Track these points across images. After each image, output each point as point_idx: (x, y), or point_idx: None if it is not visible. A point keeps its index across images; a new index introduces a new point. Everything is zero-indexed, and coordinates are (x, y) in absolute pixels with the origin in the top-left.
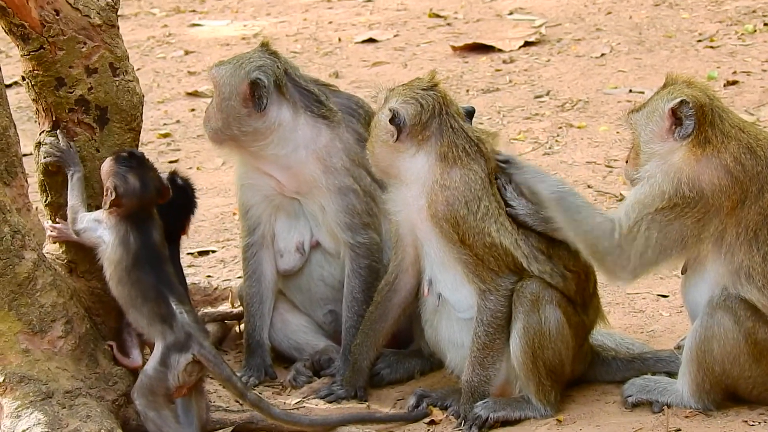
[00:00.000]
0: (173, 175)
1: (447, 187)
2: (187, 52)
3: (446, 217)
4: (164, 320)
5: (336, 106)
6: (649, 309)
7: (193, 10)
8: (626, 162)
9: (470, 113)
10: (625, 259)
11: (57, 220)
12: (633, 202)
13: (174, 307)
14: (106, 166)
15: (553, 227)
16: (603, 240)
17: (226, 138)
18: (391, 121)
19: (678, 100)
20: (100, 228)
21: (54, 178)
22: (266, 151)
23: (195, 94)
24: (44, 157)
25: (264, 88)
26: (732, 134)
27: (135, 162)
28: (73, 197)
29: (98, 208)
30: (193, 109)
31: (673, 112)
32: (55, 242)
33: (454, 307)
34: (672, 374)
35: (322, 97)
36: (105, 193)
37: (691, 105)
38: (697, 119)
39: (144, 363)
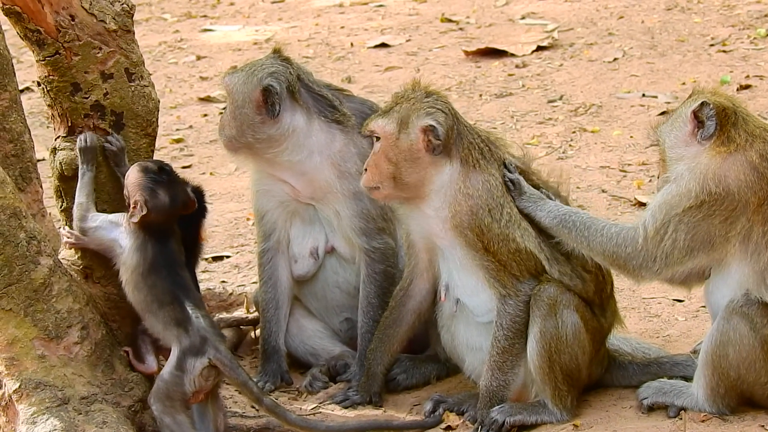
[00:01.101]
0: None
1: (471, 195)
2: (199, 58)
3: (471, 226)
4: (180, 324)
5: (349, 111)
6: (664, 313)
7: (205, 16)
8: (658, 177)
9: None
10: (651, 260)
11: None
12: (660, 203)
13: (190, 311)
14: (134, 177)
15: (564, 249)
16: (625, 246)
17: (241, 145)
18: (430, 135)
19: (699, 102)
20: (116, 231)
21: (69, 183)
22: (281, 157)
23: (207, 100)
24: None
25: (276, 94)
26: (757, 134)
27: (165, 177)
28: (82, 195)
29: (113, 212)
30: (205, 115)
31: (695, 114)
32: (71, 248)
33: (472, 311)
34: (688, 378)
35: (335, 102)
36: (133, 206)
37: (711, 106)
38: (719, 120)
39: (159, 369)
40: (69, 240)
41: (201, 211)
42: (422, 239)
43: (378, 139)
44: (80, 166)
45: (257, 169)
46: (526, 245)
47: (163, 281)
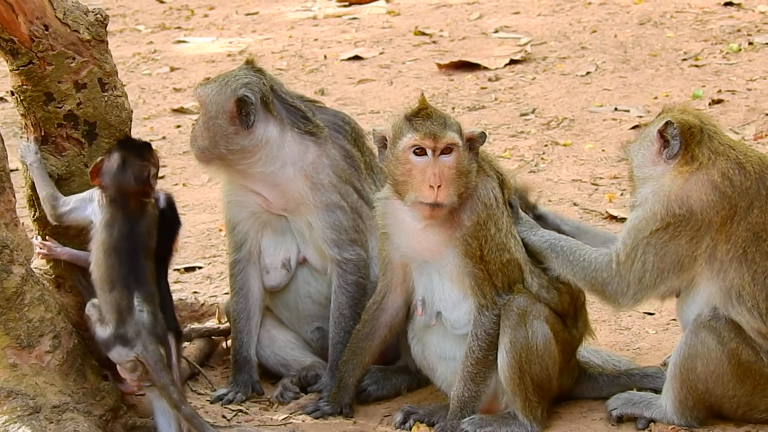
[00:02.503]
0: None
1: (487, 205)
2: (172, 69)
3: (477, 235)
4: (121, 312)
5: (322, 123)
6: (635, 326)
7: (179, 27)
8: (631, 194)
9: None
10: (625, 285)
11: (46, 237)
12: (629, 229)
13: (135, 302)
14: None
15: (551, 275)
16: (601, 272)
17: (214, 157)
18: (477, 144)
19: (664, 121)
20: (89, 207)
21: None
22: (254, 168)
23: (181, 111)
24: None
25: (251, 105)
26: (721, 151)
27: (128, 146)
28: (43, 187)
29: None
30: (178, 126)
31: (660, 134)
32: (43, 258)
33: (452, 325)
34: (658, 390)
35: (308, 113)
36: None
37: (675, 125)
38: (684, 139)
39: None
40: (42, 251)
41: (174, 221)
42: (402, 253)
43: (448, 152)
44: (27, 167)
45: (229, 180)
46: (517, 256)
47: (121, 265)
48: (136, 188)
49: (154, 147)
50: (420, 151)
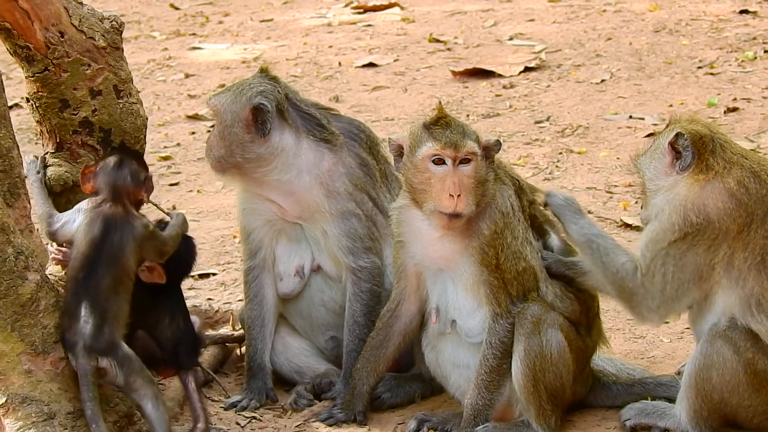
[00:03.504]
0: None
1: (504, 213)
2: (187, 75)
3: (494, 243)
4: (69, 317)
5: (338, 130)
6: (649, 335)
7: (194, 34)
8: (641, 208)
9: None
10: (650, 298)
11: (62, 243)
12: (646, 242)
13: (82, 313)
14: None
15: (583, 270)
16: (627, 281)
17: (230, 166)
18: (492, 152)
19: (674, 133)
20: (79, 216)
21: (57, 199)
22: (269, 176)
23: (195, 117)
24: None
25: (267, 113)
26: (734, 160)
27: (125, 150)
28: (40, 205)
29: None
30: (193, 132)
31: (672, 145)
32: (58, 264)
33: (466, 333)
34: (672, 399)
35: (323, 121)
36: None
37: (686, 137)
38: (696, 149)
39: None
40: (56, 257)
41: (185, 265)
42: (417, 261)
43: (467, 162)
44: (30, 182)
45: (244, 188)
46: (533, 264)
47: (80, 270)
48: (131, 188)
49: (168, 154)
50: (439, 161)
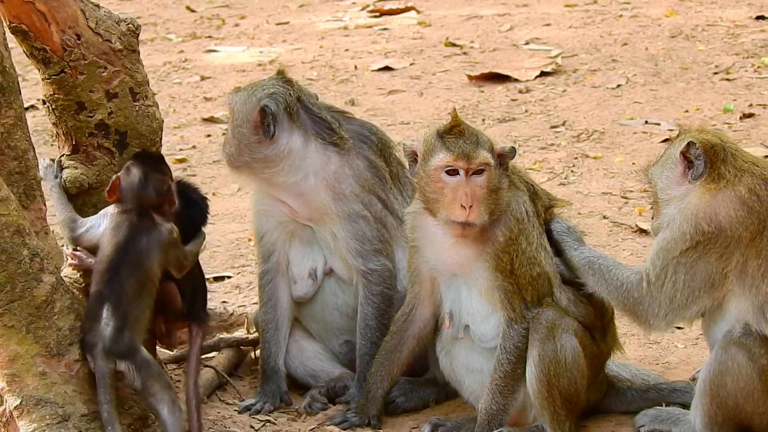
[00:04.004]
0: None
1: (519, 219)
2: (203, 78)
3: (509, 249)
4: (90, 319)
5: (348, 134)
6: (664, 341)
7: (210, 36)
8: (652, 217)
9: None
10: (657, 306)
11: (78, 248)
12: (657, 250)
13: (103, 315)
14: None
15: (586, 291)
16: (633, 291)
17: (240, 164)
18: (509, 160)
19: (686, 142)
20: (104, 221)
21: (74, 201)
22: (277, 178)
23: (211, 120)
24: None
25: (272, 115)
26: (746, 168)
27: (147, 160)
28: (61, 210)
29: None
30: (209, 135)
31: (684, 155)
32: (74, 269)
33: (480, 338)
34: (686, 405)
35: (334, 124)
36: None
37: (698, 146)
38: (708, 158)
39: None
40: (73, 262)
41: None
42: (431, 266)
43: (480, 172)
44: (49, 187)
45: (257, 189)
46: (547, 269)
47: (105, 272)
48: (155, 201)
49: (183, 156)
50: (452, 171)
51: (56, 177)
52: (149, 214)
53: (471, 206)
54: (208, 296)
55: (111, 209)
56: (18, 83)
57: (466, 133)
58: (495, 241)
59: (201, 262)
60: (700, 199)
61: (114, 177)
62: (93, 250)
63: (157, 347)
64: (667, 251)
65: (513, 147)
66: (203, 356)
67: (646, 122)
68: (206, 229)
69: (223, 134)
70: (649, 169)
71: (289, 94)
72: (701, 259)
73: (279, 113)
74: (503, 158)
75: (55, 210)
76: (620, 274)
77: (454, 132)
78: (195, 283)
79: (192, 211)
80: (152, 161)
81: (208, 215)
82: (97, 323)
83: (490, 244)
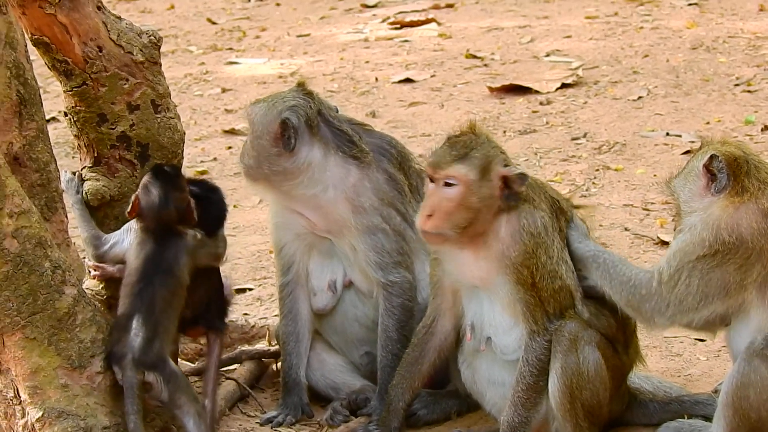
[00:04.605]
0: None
1: (533, 234)
2: (224, 90)
3: (527, 264)
4: (119, 330)
5: (368, 147)
6: (686, 353)
7: (231, 48)
8: (674, 229)
9: None
10: (664, 305)
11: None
12: (675, 251)
13: (133, 326)
14: (143, 177)
15: (588, 285)
16: (640, 288)
17: (259, 176)
18: (514, 183)
19: (709, 155)
20: (128, 236)
21: (94, 214)
22: (296, 190)
23: (232, 132)
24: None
25: (293, 128)
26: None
27: (164, 177)
28: (85, 227)
29: None
30: (230, 147)
31: (707, 168)
32: (98, 279)
33: (502, 350)
34: (709, 418)
35: (354, 137)
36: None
37: (721, 159)
38: (732, 171)
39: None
40: (96, 273)
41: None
42: (453, 279)
43: (450, 185)
44: (71, 203)
45: (275, 201)
46: (568, 282)
47: (135, 286)
48: (177, 217)
49: (204, 168)
50: (429, 178)
51: (77, 192)
52: (172, 227)
53: (430, 215)
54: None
55: (134, 224)
56: (40, 95)
57: (459, 144)
58: (510, 256)
59: (222, 274)
60: (723, 211)
61: (134, 197)
62: (118, 263)
63: (179, 359)
64: (685, 254)
65: (523, 174)
66: (225, 368)
67: (668, 134)
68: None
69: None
70: (671, 181)
71: (309, 106)
72: (719, 268)
73: (300, 126)
74: (508, 182)
75: (78, 227)
76: (627, 270)
77: (451, 140)
78: (212, 292)
79: (210, 208)
80: (170, 178)
81: (226, 205)
82: (126, 334)
83: (506, 259)
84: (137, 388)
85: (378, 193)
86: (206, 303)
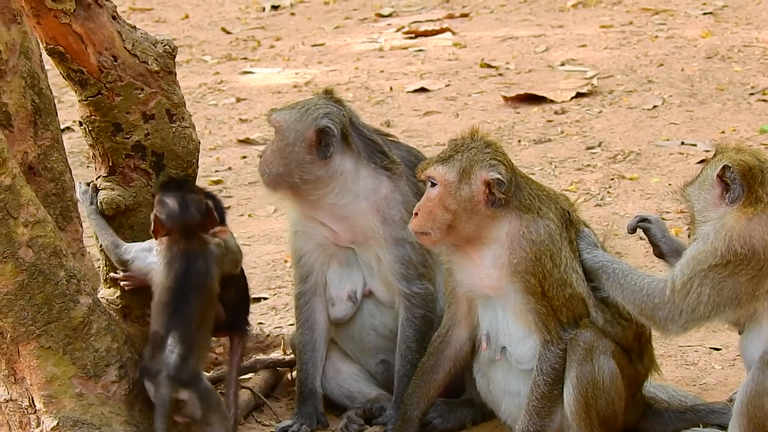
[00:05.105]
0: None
1: (534, 242)
2: (238, 100)
3: (534, 272)
4: (154, 347)
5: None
6: (701, 362)
7: (245, 58)
8: (689, 236)
9: None
10: (677, 313)
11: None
12: (688, 259)
13: (169, 342)
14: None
15: (600, 296)
16: (653, 297)
17: (285, 185)
18: (494, 188)
19: (721, 165)
20: (150, 255)
21: (110, 223)
22: (325, 200)
23: (247, 142)
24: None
25: (333, 136)
26: None
27: (174, 185)
28: (103, 236)
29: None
30: (244, 156)
31: (720, 178)
32: (126, 287)
33: (517, 360)
34: (724, 426)
35: (384, 148)
36: (152, 221)
37: (733, 169)
38: (746, 182)
39: None
40: (126, 283)
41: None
42: (466, 289)
43: (434, 185)
44: (86, 214)
45: (296, 210)
46: (579, 291)
47: (170, 302)
48: (200, 221)
49: (219, 178)
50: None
51: (92, 203)
52: (197, 235)
53: (416, 214)
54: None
55: (154, 244)
56: (54, 105)
57: (450, 147)
58: (513, 264)
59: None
60: (736, 222)
61: (152, 217)
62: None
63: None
64: (697, 262)
65: (500, 179)
66: (240, 378)
67: (683, 143)
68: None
69: (259, 156)
70: (686, 189)
71: (342, 114)
72: (731, 278)
73: (337, 134)
74: (491, 186)
75: (98, 236)
76: (638, 279)
77: (449, 143)
78: (239, 294)
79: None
80: (182, 185)
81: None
82: (161, 351)
83: (511, 266)
84: (169, 406)
85: (407, 206)
86: (232, 306)
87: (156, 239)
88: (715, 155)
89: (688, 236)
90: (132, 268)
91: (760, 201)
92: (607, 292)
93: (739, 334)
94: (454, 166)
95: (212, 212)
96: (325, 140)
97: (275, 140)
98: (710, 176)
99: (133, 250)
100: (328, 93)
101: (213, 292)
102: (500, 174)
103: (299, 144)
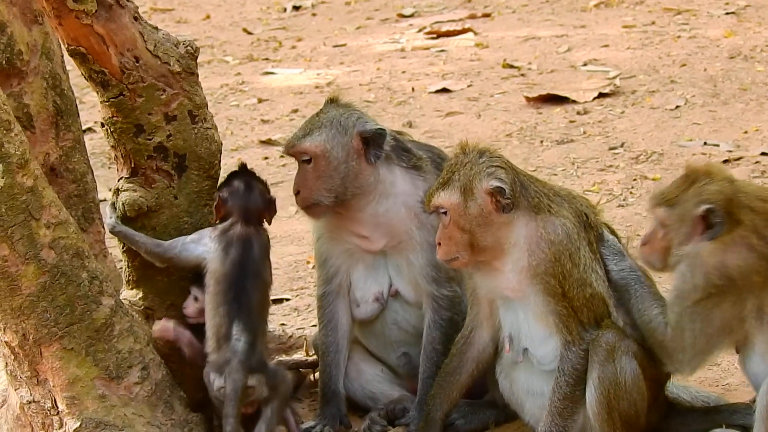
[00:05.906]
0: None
1: (552, 242)
2: (260, 100)
3: (554, 273)
4: (219, 339)
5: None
6: (724, 362)
7: (267, 59)
8: (643, 245)
9: None
10: (680, 352)
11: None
12: (673, 298)
13: (234, 331)
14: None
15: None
16: (659, 333)
17: (332, 208)
18: (497, 196)
19: (704, 208)
20: (199, 246)
21: (132, 224)
22: (366, 210)
23: (268, 142)
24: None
25: (381, 136)
26: (757, 207)
27: (243, 171)
28: (141, 245)
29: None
30: (266, 157)
31: (703, 219)
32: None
33: (539, 361)
34: (747, 427)
35: (406, 145)
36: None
37: (716, 210)
38: (727, 214)
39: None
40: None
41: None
42: (487, 292)
43: (445, 212)
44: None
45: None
46: (599, 290)
47: (228, 291)
48: (261, 209)
49: None
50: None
51: (115, 224)
52: (255, 222)
53: (439, 244)
54: (269, 326)
55: (204, 234)
56: (76, 106)
57: (445, 170)
58: (533, 265)
59: None
60: (711, 255)
61: (216, 200)
62: (185, 269)
63: None
64: (682, 300)
65: (500, 186)
66: None
67: (705, 144)
68: None
69: (281, 156)
70: (656, 210)
71: (366, 116)
72: (716, 308)
73: (378, 137)
74: (495, 196)
75: (135, 248)
76: (651, 311)
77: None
78: None
79: None
80: (251, 174)
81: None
82: (227, 341)
83: (531, 269)
84: (242, 392)
85: None
86: None
87: (217, 218)
88: (690, 183)
89: (642, 244)
90: (178, 261)
91: (740, 223)
92: (624, 307)
93: (736, 352)
94: (455, 188)
95: (274, 204)
96: (373, 142)
97: (313, 167)
98: (690, 214)
99: (179, 244)
100: (334, 101)
101: (267, 282)
102: (500, 180)
103: (351, 156)
